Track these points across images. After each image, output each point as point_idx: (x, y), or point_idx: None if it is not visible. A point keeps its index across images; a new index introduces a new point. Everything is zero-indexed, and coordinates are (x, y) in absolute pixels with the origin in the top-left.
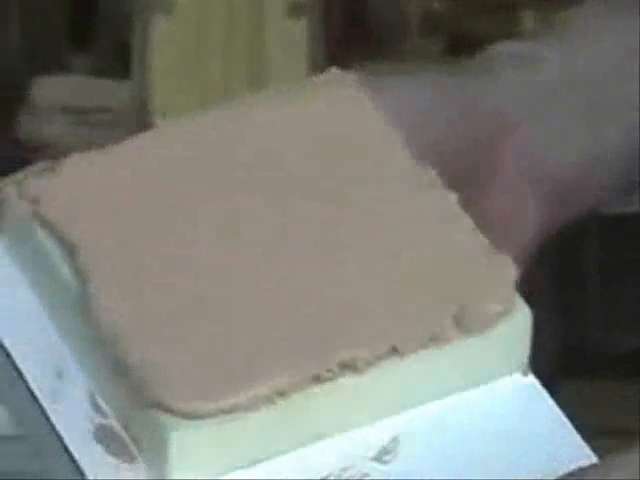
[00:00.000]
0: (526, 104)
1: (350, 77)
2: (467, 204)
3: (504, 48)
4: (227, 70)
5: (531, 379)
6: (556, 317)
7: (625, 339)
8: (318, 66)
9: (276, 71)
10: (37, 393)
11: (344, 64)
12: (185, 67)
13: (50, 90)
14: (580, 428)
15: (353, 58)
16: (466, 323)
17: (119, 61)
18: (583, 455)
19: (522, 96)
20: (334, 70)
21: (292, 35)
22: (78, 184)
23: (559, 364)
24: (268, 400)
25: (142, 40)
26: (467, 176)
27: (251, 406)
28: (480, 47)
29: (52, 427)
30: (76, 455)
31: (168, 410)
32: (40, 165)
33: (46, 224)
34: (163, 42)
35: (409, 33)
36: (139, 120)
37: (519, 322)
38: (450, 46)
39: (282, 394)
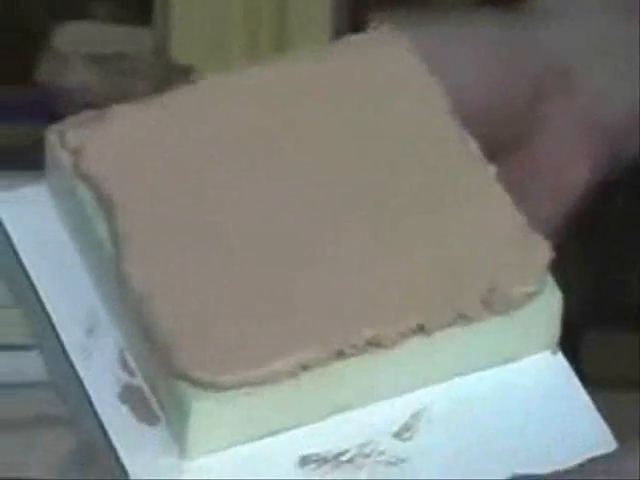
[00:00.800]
0: (577, 52)
1: (395, 33)
2: (514, 155)
3: None
4: (249, 17)
5: (559, 358)
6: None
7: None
8: (341, 15)
9: (299, 17)
10: (67, 346)
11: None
12: (207, 14)
13: (71, 36)
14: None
15: (376, 3)
16: (494, 303)
17: (141, 8)
18: (604, 442)
19: (573, 44)
20: (378, 24)
21: None
22: (119, 138)
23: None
24: (291, 374)
25: None
26: (516, 125)
27: (274, 379)
28: None
29: (79, 381)
30: (100, 412)
31: (191, 380)
32: (84, 115)
33: (85, 177)
34: None
35: None
36: (160, 67)
37: (549, 304)
38: None
39: (305, 368)
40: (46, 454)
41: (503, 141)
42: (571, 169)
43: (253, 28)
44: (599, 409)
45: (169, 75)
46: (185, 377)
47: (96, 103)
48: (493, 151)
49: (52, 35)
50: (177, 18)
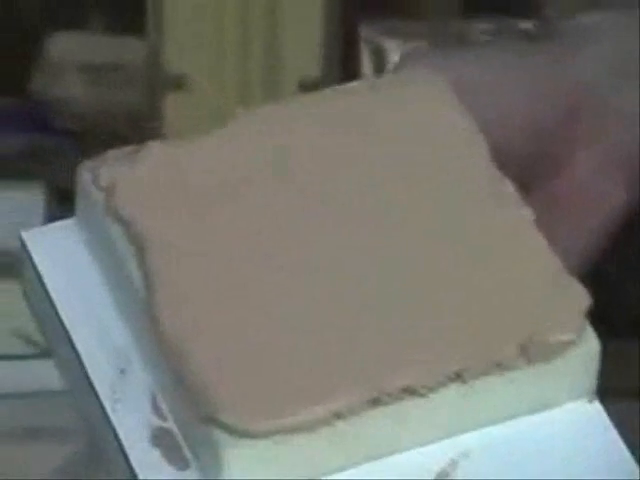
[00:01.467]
0: (605, 76)
1: (432, 71)
2: (548, 185)
3: (586, 20)
4: (243, 27)
5: (596, 406)
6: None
7: None
8: (332, 25)
9: (291, 27)
10: (98, 388)
11: (359, 16)
12: (200, 25)
13: (64, 47)
14: None
15: (367, 14)
16: (532, 352)
17: (134, 18)
18: None
19: (600, 68)
20: (414, 65)
21: None
22: (152, 176)
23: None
24: (325, 422)
25: None
26: (550, 155)
27: (307, 427)
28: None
29: (110, 424)
30: (131, 456)
31: (224, 426)
32: (118, 152)
33: (117, 216)
34: None
35: None
36: (154, 77)
37: (586, 352)
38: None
39: (339, 416)
40: (40, 466)
41: (537, 171)
42: (606, 196)
43: (245, 39)
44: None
45: (162, 85)
46: (218, 423)
47: (89, 113)
48: (528, 181)
49: (45, 45)
50: (170, 28)
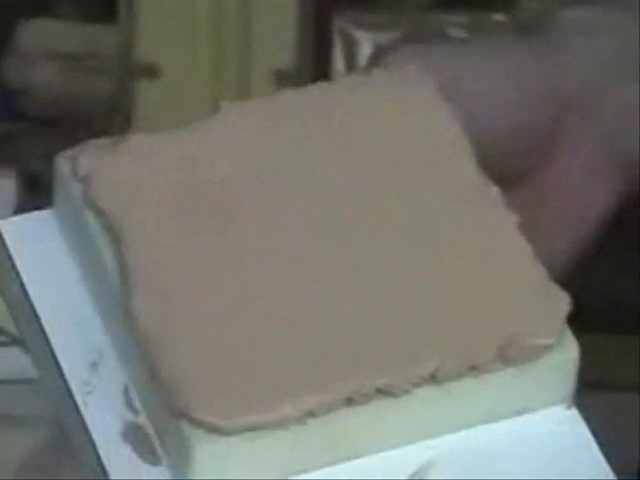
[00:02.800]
0: (595, 75)
1: (420, 71)
2: (533, 182)
3: (571, 14)
4: (216, 16)
5: (573, 413)
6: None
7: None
8: (306, 16)
9: (264, 17)
10: (70, 381)
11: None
12: (172, 13)
13: (35, 34)
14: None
15: (341, 6)
16: (509, 355)
17: (106, 6)
18: None
19: (591, 66)
20: (401, 61)
21: None
22: (131, 168)
23: None
24: (297, 420)
25: None
26: (536, 153)
27: (279, 425)
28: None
29: (80, 418)
30: (101, 451)
31: (195, 422)
32: (98, 142)
33: (95, 207)
34: None
35: None
36: (125, 65)
37: (565, 357)
38: None
39: (312, 414)
40: (9, 453)
41: (524, 168)
42: (593, 194)
43: (218, 27)
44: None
45: (134, 73)
46: (189, 419)
47: (60, 101)
48: (514, 179)
49: (16, 33)
50: (142, 16)
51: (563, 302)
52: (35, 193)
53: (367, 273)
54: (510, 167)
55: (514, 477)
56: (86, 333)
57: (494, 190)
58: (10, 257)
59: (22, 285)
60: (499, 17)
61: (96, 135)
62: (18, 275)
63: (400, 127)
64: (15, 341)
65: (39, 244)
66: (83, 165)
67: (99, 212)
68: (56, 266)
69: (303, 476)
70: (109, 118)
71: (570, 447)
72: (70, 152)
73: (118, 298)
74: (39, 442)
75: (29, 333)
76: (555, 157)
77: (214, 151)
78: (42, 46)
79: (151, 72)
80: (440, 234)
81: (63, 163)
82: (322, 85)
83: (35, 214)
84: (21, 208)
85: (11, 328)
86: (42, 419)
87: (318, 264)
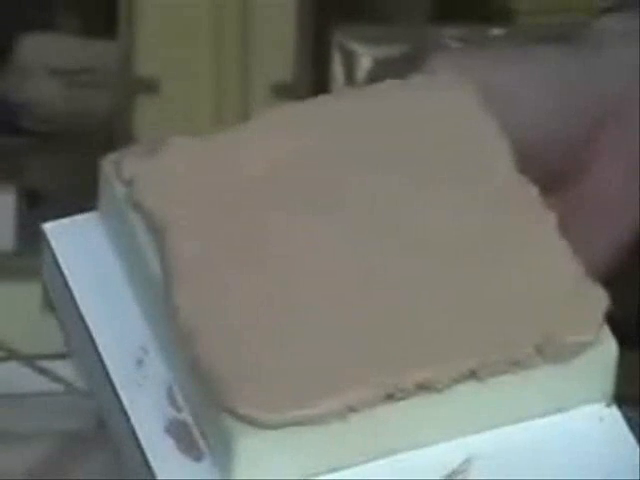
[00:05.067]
0: (637, 82)
1: (459, 76)
2: (569, 191)
3: (609, 22)
4: (216, 31)
5: (613, 411)
6: None
7: None
8: (306, 31)
9: (264, 32)
10: (114, 378)
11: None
12: (172, 28)
13: (34, 49)
14: None
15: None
16: (549, 352)
17: (105, 21)
18: None
19: (632, 73)
20: (442, 67)
21: None
22: (175, 170)
23: None
24: (339, 415)
25: None
26: (573, 161)
27: (321, 420)
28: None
29: (125, 415)
30: (145, 446)
31: (237, 416)
32: (142, 145)
33: (139, 208)
34: (150, 1)
35: None
36: (125, 81)
37: (604, 354)
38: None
39: (353, 409)
40: (5, 470)
41: (556, 177)
42: (632, 203)
43: (218, 42)
44: None
45: (133, 88)
46: (232, 413)
47: (59, 116)
48: (552, 186)
49: (16, 48)
50: (142, 31)
51: (602, 299)
52: (35, 208)
53: (408, 270)
54: (547, 173)
55: (553, 476)
56: (131, 332)
57: (533, 190)
58: (55, 259)
59: (67, 286)
60: (497, 30)
61: (96, 150)
62: (63, 276)
63: (438, 130)
64: (14, 356)
65: (84, 245)
66: (127, 168)
67: (143, 213)
68: (100, 267)
69: (343, 472)
70: (109, 133)
71: (609, 445)
72: (114, 155)
73: (161, 295)
74: (39, 457)
75: (74, 333)
76: (593, 164)
77: (252, 153)
78: (41, 61)
79: (151, 87)
80: (480, 233)
81: (108, 166)
82: (360, 89)
83: (79, 217)
84: (21, 224)
85: (10, 343)
86: (41, 434)
87: (358, 261)
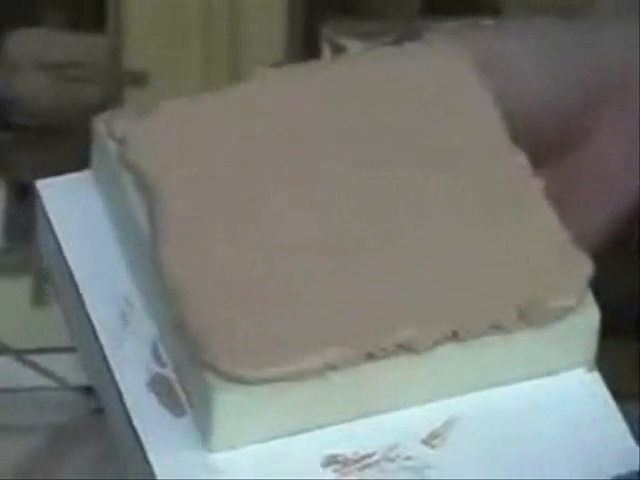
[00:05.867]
0: (633, 60)
1: (451, 43)
2: (564, 162)
3: (608, 1)
4: (203, 25)
5: (595, 376)
6: None
7: None
8: (295, 24)
9: (254, 26)
10: (99, 333)
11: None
12: (160, 21)
13: (23, 44)
14: None
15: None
16: (530, 315)
17: (94, 15)
18: (633, 461)
19: (632, 49)
20: (438, 36)
21: None
22: (166, 129)
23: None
24: (319, 373)
25: None
26: (569, 132)
27: (301, 377)
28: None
29: (109, 368)
30: (127, 401)
31: (218, 372)
32: (133, 105)
33: (130, 166)
34: None
35: None
36: (114, 75)
37: (586, 319)
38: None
39: (334, 368)
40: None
41: (554, 147)
42: (627, 176)
43: (207, 36)
44: None
45: (122, 82)
46: (212, 368)
47: (48, 111)
48: (542, 157)
49: (4, 42)
50: (130, 25)
51: (586, 266)
52: (24, 202)
53: (393, 234)
54: (545, 144)
55: (534, 440)
56: (117, 287)
57: (521, 157)
58: (46, 215)
59: (57, 241)
60: (488, 23)
61: (85, 144)
62: (53, 231)
63: (430, 97)
64: (4, 350)
65: (74, 202)
66: (119, 126)
67: (135, 171)
68: (90, 223)
69: (323, 430)
70: None
71: (591, 409)
72: (106, 114)
73: (149, 251)
74: (29, 451)
75: (62, 288)
76: (594, 134)
77: (245, 113)
78: (30, 55)
79: (140, 80)
80: (466, 198)
81: (100, 124)
82: (356, 55)
83: (72, 175)
84: (9, 218)
85: (3, 338)
86: (32, 428)
87: (344, 225)
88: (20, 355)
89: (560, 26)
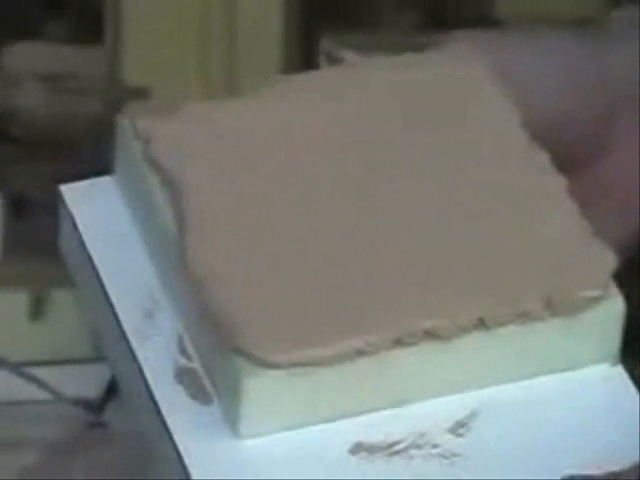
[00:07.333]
0: None
1: (471, 51)
2: (583, 174)
3: (623, 14)
4: (201, 38)
5: (619, 370)
6: None
7: None
8: (293, 37)
9: (251, 39)
10: (125, 328)
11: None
12: (159, 34)
13: (21, 56)
14: None
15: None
16: (556, 305)
17: (92, 28)
18: None
19: None
20: (454, 43)
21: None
22: (190, 129)
23: None
24: (346, 358)
25: (115, 5)
26: (587, 145)
27: (328, 362)
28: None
29: (136, 363)
30: (155, 392)
31: (246, 356)
32: (157, 103)
33: (154, 163)
34: (137, 6)
35: (385, 4)
36: (112, 87)
37: (611, 311)
38: (424, 21)
39: (361, 353)
40: None
41: (572, 159)
42: (636, 192)
43: (205, 49)
44: None
45: (120, 95)
46: (240, 353)
47: (47, 124)
48: (562, 169)
49: (1, 55)
50: (129, 38)
51: (610, 258)
52: (21, 215)
53: (422, 222)
54: (560, 157)
55: (557, 433)
56: (143, 285)
57: (544, 155)
58: (70, 216)
59: (81, 240)
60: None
61: (83, 157)
62: (77, 231)
63: (450, 101)
64: (1, 364)
65: (99, 204)
66: (143, 125)
67: (158, 168)
68: (114, 223)
69: (348, 420)
70: (97, 140)
71: (615, 404)
72: (130, 112)
73: (174, 248)
74: (26, 465)
75: (87, 285)
76: (609, 151)
77: (264, 117)
78: (28, 68)
79: (139, 94)
80: (494, 192)
81: (124, 123)
82: (375, 60)
83: (94, 180)
84: (7, 231)
85: (0, 351)
86: (29, 442)
87: (373, 209)
88: (17, 368)
89: (575, 38)
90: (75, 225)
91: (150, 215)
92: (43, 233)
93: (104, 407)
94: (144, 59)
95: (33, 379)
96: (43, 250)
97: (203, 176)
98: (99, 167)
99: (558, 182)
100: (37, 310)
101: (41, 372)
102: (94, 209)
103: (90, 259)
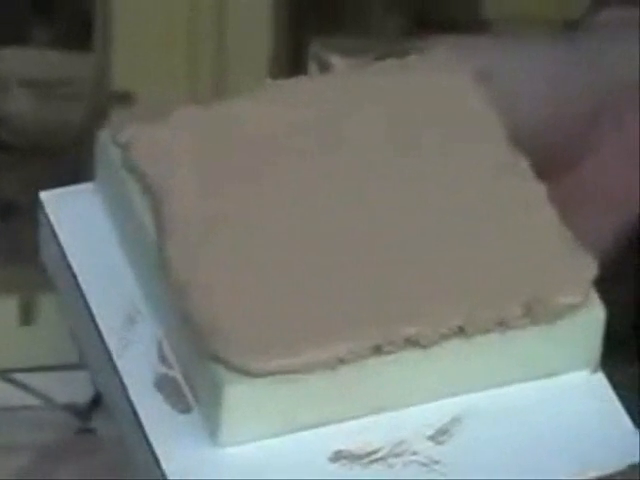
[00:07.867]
0: (635, 72)
1: (453, 56)
2: (564, 178)
3: (609, 15)
4: (191, 44)
5: (600, 377)
6: None
7: None
8: (281, 41)
9: (240, 44)
10: (106, 336)
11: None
12: (148, 41)
13: (10, 62)
14: None
15: (317, 32)
16: (536, 312)
17: (81, 34)
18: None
19: (631, 64)
20: (437, 49)
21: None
22: (172, 135)
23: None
24: (326, 366)
25: (104, 10)
26: (569, 148)
27: (308, 370)
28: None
29: (116, 371)
30: (134, 400)
31: (225, 364)
32: (136, 112)
33: (134, 169)
34: (126, 12)
35: (374, 9)
36: (101, 93)
37: (591, 318)
38: (413, 25)
39: (341, 361)
40: None
41: (557, 164)
42: (620, 195)
43: (193, 54)
44: None
45: (109, 101)
46: (220, 360)
47: (34, 129)
48: (544, 173)
49: None
50: (117, 44)
51: (590, 265)
52: (9, 221)
53: (400, 228)
54: (544, 159)
55: (538, 440)
56: (123, 291)
57: (524, 162)
58: (49, 223)
59: (60, 247)
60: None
61: (71, 164)
62: (56, 238)
63: (433, 107)
64: None
65: (77, 211)
66: (123, 132)
67: (138, 175)
68: (94, 230)
69: (329, 427)
70: (84, 146)
71: (596, 411)
72: (110, 122)
73: (154, 255)
74: (16, 470)
75: (67, 295)
76: (594, 152)
77: (246, 122)
78: (16, 74)
79: (126, 99)
80: (473, 198)
81: (104, 132)
82: (359, 68)
83: (74, 187)
84: None
85: None
86: (18, 448)
87: (352, 221)
88: (7, 374)
89: (559, 41)
90: (54, 232)
91: (131, 221)
92: (32, 239)
93: (91, 414)
94: (133, 65)
95: (23, 385)
96: (32, 256)
97: (185, 181)
98: (87, 173)
99: (538, 189)
100: (27, 316)
101: (31, 378)
102: (73, 216)
103: (69, 266)
